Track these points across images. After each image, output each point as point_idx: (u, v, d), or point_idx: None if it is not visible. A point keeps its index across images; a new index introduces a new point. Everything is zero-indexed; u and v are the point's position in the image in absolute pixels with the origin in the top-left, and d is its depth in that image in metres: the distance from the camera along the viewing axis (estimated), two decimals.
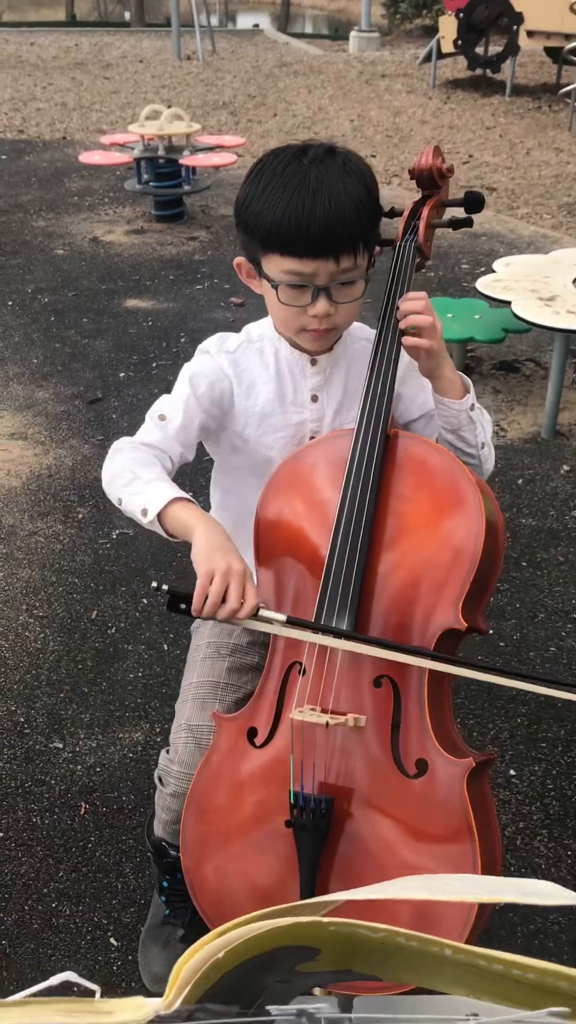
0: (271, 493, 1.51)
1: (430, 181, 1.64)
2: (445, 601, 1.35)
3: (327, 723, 1.31)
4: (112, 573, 2.78)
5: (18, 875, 1.89)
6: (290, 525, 1.48)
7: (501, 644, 2.47)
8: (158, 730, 2.22)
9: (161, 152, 5.62)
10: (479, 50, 9.54)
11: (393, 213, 1.67)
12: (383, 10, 14.85)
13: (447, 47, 9.50)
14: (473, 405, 1.48)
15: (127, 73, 10.87)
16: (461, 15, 8.94)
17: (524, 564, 2.79)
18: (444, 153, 1.65)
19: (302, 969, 0.68)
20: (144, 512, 1.39)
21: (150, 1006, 0.49)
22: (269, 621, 1.34)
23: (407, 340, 1.47)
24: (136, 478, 1.42)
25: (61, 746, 2.18)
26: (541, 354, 4.10)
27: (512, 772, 2.11)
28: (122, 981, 1.70)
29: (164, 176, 5.72)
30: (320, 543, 1.42)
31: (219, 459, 1.68)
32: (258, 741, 1.41)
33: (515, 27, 8.86)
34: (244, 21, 20.74)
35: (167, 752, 1.56)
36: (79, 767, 2.13)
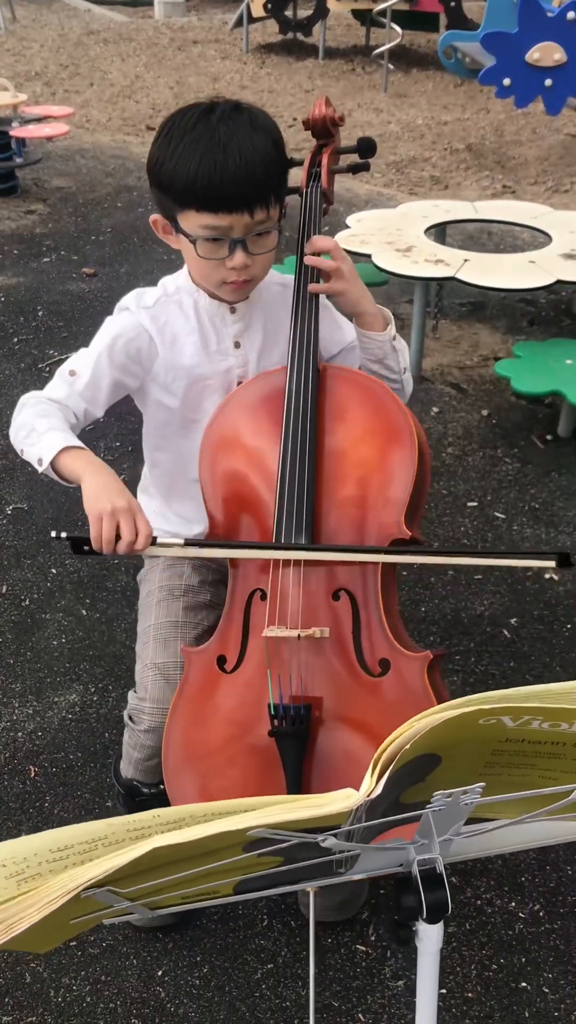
0: (213, 438, 1.58)
1: (324, 130, 1.75)
2: (389, 514, 1.48)
3: (298, 635, 1.41)
4: (14, 547, 2.76)
5: None
6: (237, 464, 1.56)
7: (404, 574, 2.63)
8: (93, 690, 2.26)
9: None
10: (288, 14, 9.66)
11: (292, 163, 1.76)
12: None
13: (257, 11, 9.56)
14: (395, 336, 1.60)
15: None
16: None
17: None
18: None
19: (405, 799, 0.78)
20: (39, 462, 1.45)
21: (357, 796, 0.58)
22: (169, 546, 1.47)
23: (311, 287, 1.58)
24: (33, 430, 1.48)
25: None
26: (395, 306, 4.29)
27: None
28: (107, 928, 1.75)
29: None
30: (269, 476, 1.52)
31: (149, 415, 1.72)
32: (228, 667, 1.50)
33: None
34: None
35: (135, 692, 1.62)
36: (19, 734, 2.14)
